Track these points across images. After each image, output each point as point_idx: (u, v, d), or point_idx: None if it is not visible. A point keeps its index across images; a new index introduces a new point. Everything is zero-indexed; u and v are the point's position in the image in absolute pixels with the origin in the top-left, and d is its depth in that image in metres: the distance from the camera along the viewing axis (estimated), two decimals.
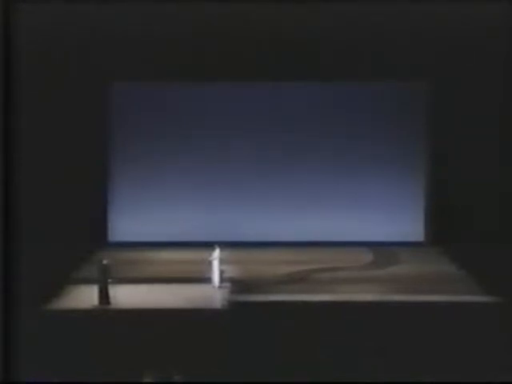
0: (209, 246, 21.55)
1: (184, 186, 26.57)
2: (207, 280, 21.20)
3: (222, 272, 21.23)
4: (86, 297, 19.89)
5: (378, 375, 16.21)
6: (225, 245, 21.62)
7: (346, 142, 26.55)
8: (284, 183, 26.59)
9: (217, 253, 21.14)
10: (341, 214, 26.49)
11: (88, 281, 20.65)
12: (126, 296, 19.91)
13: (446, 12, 22.96)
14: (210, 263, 21.18)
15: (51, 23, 22.89)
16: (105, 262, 19.76)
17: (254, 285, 21.54)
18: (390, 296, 20.41)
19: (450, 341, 17.54)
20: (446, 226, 25.77)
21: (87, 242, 24.69)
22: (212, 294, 20.66)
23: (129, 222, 26.46)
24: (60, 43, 24.07)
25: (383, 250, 25.73)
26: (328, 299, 19.97)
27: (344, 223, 26.44)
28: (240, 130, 26.51)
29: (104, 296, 19.39)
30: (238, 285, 21.33)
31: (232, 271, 22.18)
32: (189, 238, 25.72)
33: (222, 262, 21.26)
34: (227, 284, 21.26)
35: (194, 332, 17.68)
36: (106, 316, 18.81)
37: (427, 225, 26.67)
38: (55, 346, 17.11)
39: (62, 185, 24.79)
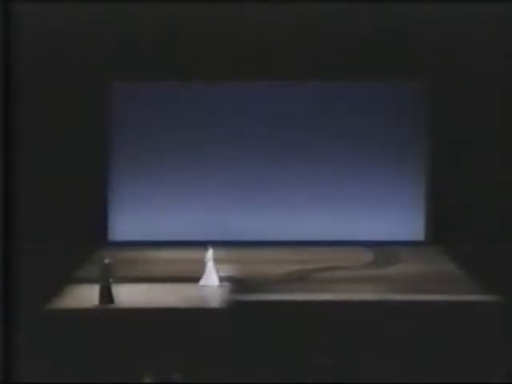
0: (208, 245, 21.56)
1: (184, 185, 26.57)
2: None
3: (217, 271, 21.15)
4: (86, 296, 19.89)
5: (378, 375, 16.22)
6: (224, 244, 21.61)
7: (345, 141, 26.54)
8: (284, 183, 26.57)
9: (210, 253, 21.06)
10: (341, 214, 26.50)
11: (88, 280, 20.68)
12: (126, 295, 19.91)
13: (446, 12, 22.95)
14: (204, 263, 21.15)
15: (51, 23, 22.89)
16: (106, 261, 19.77)
17: (254, 284, 21.53)
18: (391, 295, 20.40)
19: (451, 340, 17.55)
20: (446, 226, 25.78)
21: (88, 242, 24.69)
22: (212, 293, 20.67)
23: (129, 222, 26.47)
24: (60, 43, 24.06)
25: (383, 250, 25.71)
26: (328, 298, 19.97)
27: (344, 223, 26.45)
28: (240, 129, 26.50)
29: (105, 295, 19.39)
30: (237, 284, 21.33)
31: (232, 271, 22.18)
32: (189, 238, 25.71)
33: (221, 261, 21.26)
34: (227, 283, 21.26)
35: (194, 331, 17.69)
36: (107, 315, 18.80)
37: (427, 224, 26.67)
38: (55, 346, 17.12)
39: (62, 185, 24.78)
